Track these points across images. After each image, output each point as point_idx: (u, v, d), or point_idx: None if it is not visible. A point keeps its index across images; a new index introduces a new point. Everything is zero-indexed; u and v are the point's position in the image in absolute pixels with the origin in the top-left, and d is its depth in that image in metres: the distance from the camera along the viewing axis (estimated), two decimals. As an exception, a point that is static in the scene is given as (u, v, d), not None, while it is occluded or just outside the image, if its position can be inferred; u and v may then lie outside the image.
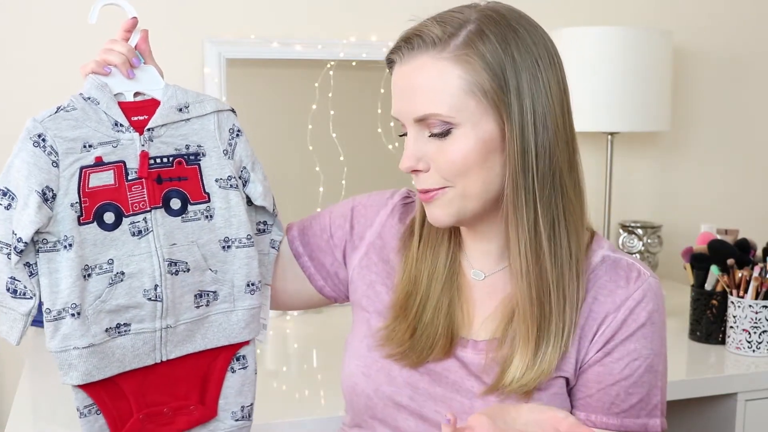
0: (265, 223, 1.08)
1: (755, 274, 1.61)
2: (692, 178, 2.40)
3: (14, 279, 0.92)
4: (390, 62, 0.95)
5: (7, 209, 0.91)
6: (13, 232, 0.91)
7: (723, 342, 1.69)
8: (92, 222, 0.94)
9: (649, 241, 2.20)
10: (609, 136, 2.13)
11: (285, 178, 2.02)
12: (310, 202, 2.01)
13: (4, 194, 0.92)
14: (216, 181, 1.01)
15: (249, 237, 1.02)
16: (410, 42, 0.91)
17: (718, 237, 1.78)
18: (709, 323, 1.71)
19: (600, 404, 0.95)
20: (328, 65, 2.02)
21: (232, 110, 1.05)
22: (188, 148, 1.00)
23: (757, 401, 1.57)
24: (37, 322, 1.79)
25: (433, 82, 0.89)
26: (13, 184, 0.91)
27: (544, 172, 0.91)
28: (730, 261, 1.65)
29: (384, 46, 2.02)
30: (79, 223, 0.93)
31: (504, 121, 0.89)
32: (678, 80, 2.29)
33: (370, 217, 1.08)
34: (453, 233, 1.02)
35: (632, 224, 2.23)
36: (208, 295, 1.00)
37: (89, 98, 0.96)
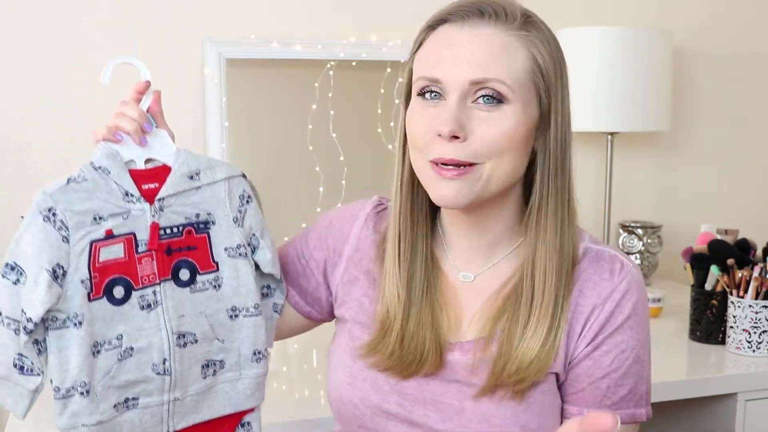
0: (268, 286, 1.06)
1: (755, 274, 1.61)
2: (692, 178, 2.40)
3: (22, 356, 0.90)
4: (439, 23, 0.93)
5: (15, 284, 0.89)
6: (22, 311, 0.88)
7: (723, 342, 1.69)
8: (102, 297, 0.92)
9: (649, 241, 2.20)
10: (609, 136, 2.13)
11: (285, 178, 2.02)
12: (310, 202, 2.01)
13: (12, 269, 0.89)
14: (225, 249, 0.99)
15: (256, 306, 1.01)
16: (482, 9, 0.90)
17: (718, 237, 1.78)
18: (709, 323, 1.70)
19: (592, 398, 0.96)
20: (328, 65, 2.02)
21: (243, 175, 1.02)
22: (198, 216, 0.97)
23: (757, 401, 1.57)
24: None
25: (501, 52, 0.88)
26: (22, 259, 0.89)
27: (568, 165, 0.95)
28: (730, 261, 1.65)
29: (384, 46, 2.02)
30: (89, 300, 0.91)
31: (551, 110, 0.92)
32: (678, 80, 2.29)
33: (344, 231, 1.07)
34: (426, 235, 1.00)
35: (632, 224, 2.23)
36: (215, 364, 0.99)
37: (100, 168, 0.93)
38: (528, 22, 0.91)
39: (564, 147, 0.93)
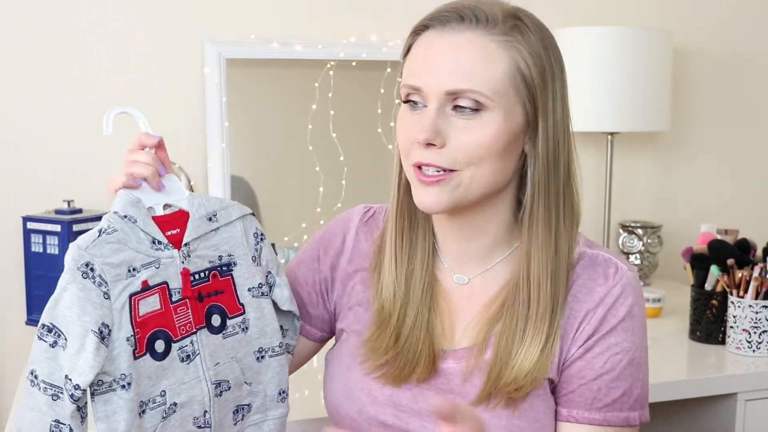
0: (281, 327, 1.04)
1: (755, 274, 1.61)
2: (692, 178, 2.40)
3: (59, 422, 0.84)
4: (422, 29, 0.92)
5: (53, 347, 0.84)
6: (66, 378, 0.84)
7: (723, 342, 1.69)
8: (145, 354, 0.88)
9: (649, 241, 2.20)
10: (609, 136, 2.13)
11: (285, 178, 2.02)
12: (310, 202, 2.01)
13: (50, 330, 0.85)
14: (249, 290, 0.98)
15: (281, 344, 1.00)
16: (462, 14, 0.89)
17: (718, 237, 1.78)
18: (709, 323, 1.70)
19: (582, 399, 0.95)
20: (328, 65, 2.02)
21: (252, 213, 1.01)
22: (221, 258, 0.96)
23: (757, 401, 1.57)
24: (38, 322, 1.79)
25: (480, 60, 0.87)
26: (62, 321, 0.84)
27: (563, 173, 0.93)
28: (730, 261, 1.65)
29: (384, 46, 2.03)
30: (135, 358, 0.87)
31: (538, 115, 0.90)
32: (678, 80, 2.29)
33: (338, 246, 1.07)
34: (426, 235, 1.00)
35: (632, 224, 2.23)
36: (243, 409, 0.98)
37: (126, 216, 0.89)
38: (514, 27, 0.89)
39: (556, 152, 0.92)
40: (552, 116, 0.91)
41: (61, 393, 0.85)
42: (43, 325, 0.85)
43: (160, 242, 0.90)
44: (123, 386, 0.86)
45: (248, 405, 0.98)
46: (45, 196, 1.85)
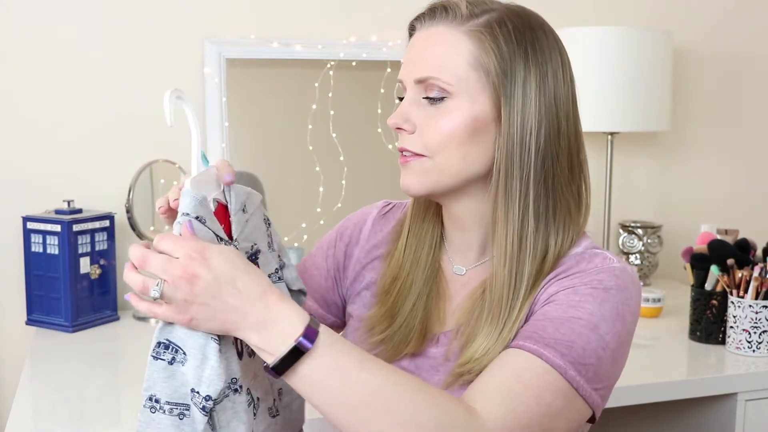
0: None
1: (755, 274, 1.61)
2: (692, 178, 2.40)
3: None
4: (412, 29, 0.99)
5: (171, 364, 0.81)
6: (193, 391, 0.81)
7: (723, 342, 1.69)
8: (243, 353, 0.86)
9: (649, 241, 2.20)
10: (609, 136, 2.13)
11: (285, 178, 2.02)
12: (310, 202, 2.01)
13: (167, 347, 0.81)
14: (269, 276, 0.95)
15: None
16: (433, 12, 0.95)
17: (718, 237, 1.78)
18: (709, 323, 1.70)
19: (523, 333, 0.89)
20: (328, 65, 2.02)
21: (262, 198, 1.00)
22: (252, 248, 0.93)
23: (757, 401, 1.57)
24: (38, 322, 1.79)
25: (441, 48, 0.92)
26: (177, 336, 0.81)
27: (538, 167, 0.92)
28: (730, 261, 1.65)
29: (384, 46, 2.03)
30: (240, 358, 0.85)
31: (501, 105, 0.91)
32: (678, 80, 2.29)
33: (355, 236, 1.11)
34: (435, 226, 1.03)
35: (632, 224, 2.23)
36: (280, 391, 0.97)
37: (197, 217, 0.84)
38: (485, 19, 0.92)
39: (525, 143, 0.91)
40: (520, 107, 0.91)
41: (187, 410, 0.82)
42: (159, 343, 0.81)
43: (221, 239, 0.88)
44: (235, 390, 0.83)
45: (281, 388, 0.98)
46: (45, 196, 1.85)
